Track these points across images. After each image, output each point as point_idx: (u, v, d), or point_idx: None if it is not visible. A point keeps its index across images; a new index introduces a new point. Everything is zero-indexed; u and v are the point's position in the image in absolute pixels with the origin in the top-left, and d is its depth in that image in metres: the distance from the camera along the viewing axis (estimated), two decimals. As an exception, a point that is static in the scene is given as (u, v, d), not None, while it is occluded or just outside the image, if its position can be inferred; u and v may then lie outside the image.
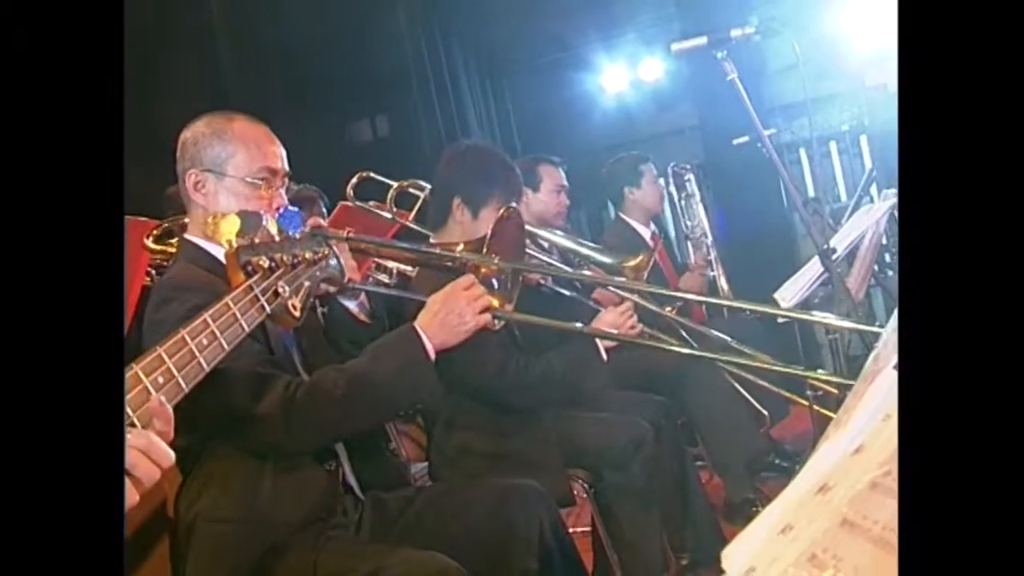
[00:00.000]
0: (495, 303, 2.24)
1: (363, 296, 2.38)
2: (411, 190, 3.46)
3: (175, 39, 5.65)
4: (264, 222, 1.57)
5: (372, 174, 3.59)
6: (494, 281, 2.37)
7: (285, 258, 1.53)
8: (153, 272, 2.88)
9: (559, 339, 2.96)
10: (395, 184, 3.48)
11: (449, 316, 2.11)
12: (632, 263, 3.24)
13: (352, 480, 2.22)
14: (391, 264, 2.70)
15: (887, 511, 0.87)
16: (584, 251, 3.36)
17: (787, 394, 3.64)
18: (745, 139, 4.91)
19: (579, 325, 2.60)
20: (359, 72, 6.35)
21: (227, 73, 6.00)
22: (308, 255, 1.61)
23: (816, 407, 3.02)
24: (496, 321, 2.30)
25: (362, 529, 2.18)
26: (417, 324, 2.10)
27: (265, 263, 1.48)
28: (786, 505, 1.00)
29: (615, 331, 2.85)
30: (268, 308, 1.45)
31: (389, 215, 3.47)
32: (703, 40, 2.52)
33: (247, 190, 2.15)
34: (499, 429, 2.86)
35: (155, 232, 3.08)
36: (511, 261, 2.41)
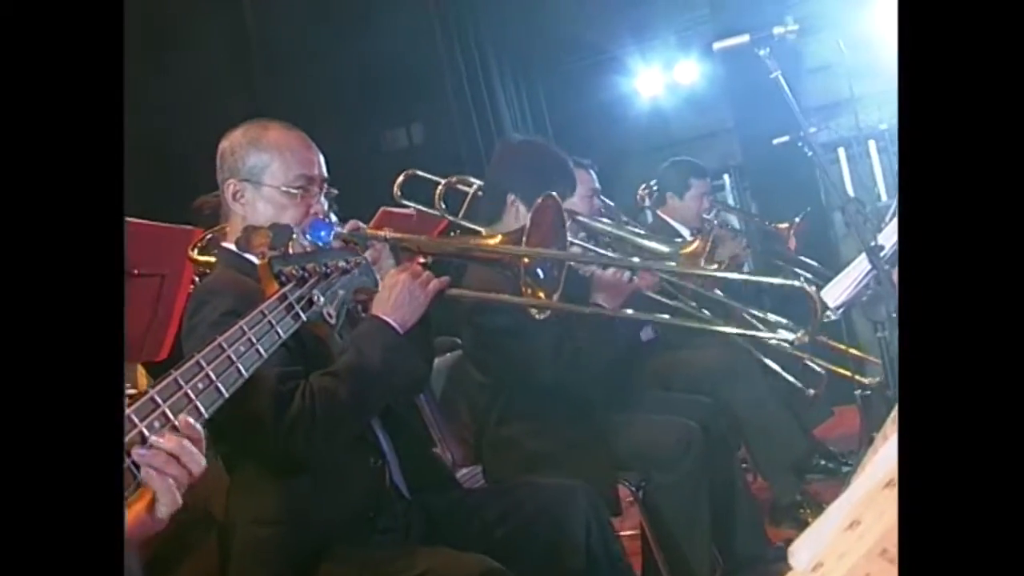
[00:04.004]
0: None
1: None
2: (459, 186, 3.45)
3: (209, 52, 5.71)
4: (295, 234, 1.59)
5: (418, 172, 3.59)
6: (539, 271, 2.36)
7: (317, 267, 1.56)
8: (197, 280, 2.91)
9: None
10: (443, 181, 3.48)
11: (399, 296, 2.13)
12: (689, 249, 3.22)
13: (399, 480, 2.23)
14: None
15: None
16: (640, 241, 3.33)
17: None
18: (786, 139, 4.87)
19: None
20: (393, 80, 6.38)
21: (261, 84, 6.05)
22: (341, 264, 1.62)
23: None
24: (538, 312, 2.31)
25: (411, 533, 2.19)
26: (375, 312, 2.13)
27: (298, 272, 1.50)
28: (853, 501, 0.99)
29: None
30: (303, 316, 1.47)
31: (438, 212, 3.46)
32: (745, 38, 2.51)
33: (284, 199, 2.18)
34: (549, 427, 2.87)
35: (200, 244, 3.12)
36: (552, 249, 2.40)
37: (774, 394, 3.71)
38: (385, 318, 2.11)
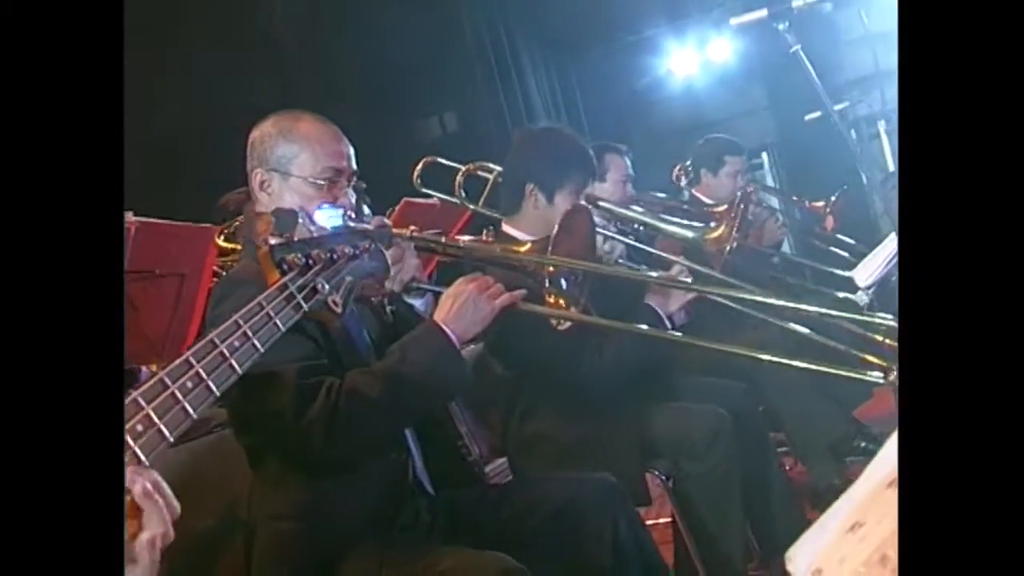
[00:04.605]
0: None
1: (429, 295, 2.36)
2: (480, 173, 3.43)
3: (241, 48, 5.74)
4: (300, 219, 1.54)
5: (438, 159, 3.57)
6: (563, 281, 2.31)
7: (322, 254, 1.49)
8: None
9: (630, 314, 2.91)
10: (463, 168, 3.45)
11: (463, 307, 2.09)
12: (714, 235, 3.17)
13: (423, 475, 2.20)
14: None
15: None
16: (663, 226, 3.29)
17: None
18: (818, 114, 4.78)
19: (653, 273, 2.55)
20: (425, 69, 6.36)
21: (290, 76, 6.06)
22: (347, 250, 1.56)
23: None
24: (559, 322, 2.26)
25: (435, 532, 2.16)
26: (436, 319, 2.09)
27: (301, 260, 1.44)
28: (855, 501, 0.94)
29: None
30: (305, 306, 1.41)
31: (458, 200, 3.44)
32: (763, 13, 2.44)
33: (311, 190, 2.14)
34: (576, 418, 2.83)
35: (226, 231, 3.13)
36: (578, 260, 2.35)
37: (809, 376, 3.62)
38: (442, 326, 2.06)
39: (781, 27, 2.41)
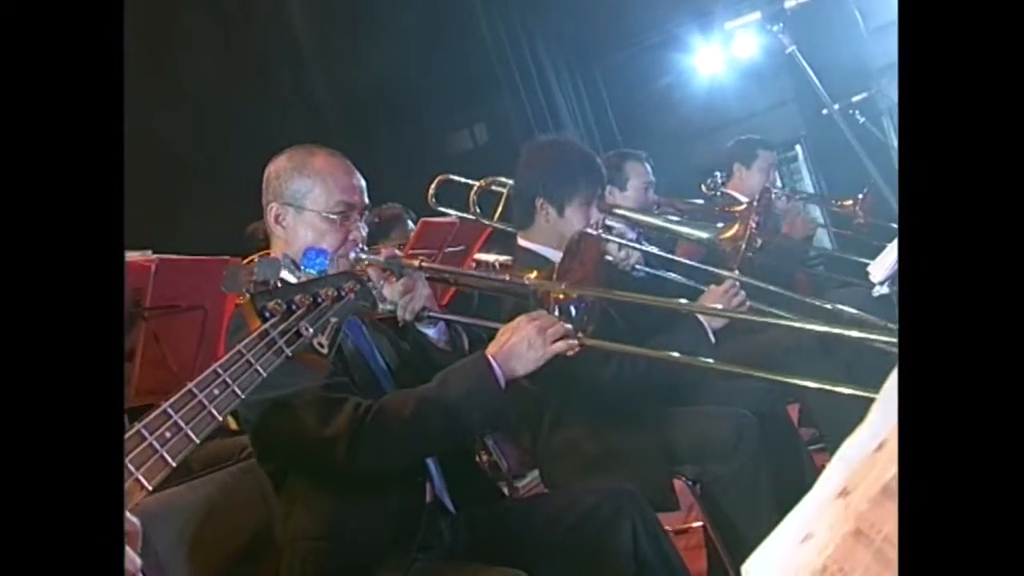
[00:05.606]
0: (571, 331, 2.18)
1: (442, 323, 2.37)
2: (494, 187, 3.45)
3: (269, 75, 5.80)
4: (283, 266, 1.56)
5: (451, 176, 3.60)
6: (572, 308, 2.31)
7: (305, 299, 1.51)
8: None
9: (662, 325, 2.90)
10: (476, 184, 3.48)
11: (518, 345, 2.07)
12: (729, 234, 3.16)
13: (443, 494, 2.22)
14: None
15: (892, 520, 0.81)
16: (677, 228, 3.28)
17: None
18: (836, 107, 4.76)
19: (683, 301, 2.57)
20: (452, 84, 6.40)
21: (324, 102, 6.12)
22: (331, 292, 1.59)
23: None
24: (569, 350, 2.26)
25: (457, 550, 2.18)
26: (488, 352, 2.08)
27: (283, 306, 1.47)
28: (807, 512, 0.94)
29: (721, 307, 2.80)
30: (287, 350, 1.43)
31: (473, 217, 3.46)
32: (757, 15, 2.43)
33: (324, 224, 2.18)
34: (604, 427, 2.83)
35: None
36: (585, 286, 2.34)
37: (840, 371, 3.58)
38: (490, 359, 2.06)
39: (774, 28, 2.40)
